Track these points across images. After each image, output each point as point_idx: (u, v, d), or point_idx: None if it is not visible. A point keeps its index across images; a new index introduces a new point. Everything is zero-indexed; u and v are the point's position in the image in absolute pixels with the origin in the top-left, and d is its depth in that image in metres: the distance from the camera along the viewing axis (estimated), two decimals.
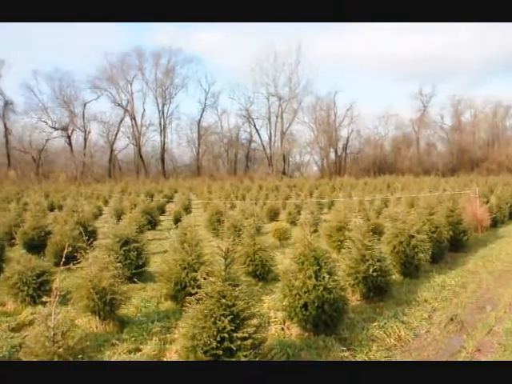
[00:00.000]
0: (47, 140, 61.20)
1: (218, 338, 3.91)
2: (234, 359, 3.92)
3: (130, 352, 5.19)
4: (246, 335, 3.96)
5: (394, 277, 7.84)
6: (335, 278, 5.73)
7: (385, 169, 59.31)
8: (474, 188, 15.78)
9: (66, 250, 4.38)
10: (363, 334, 5.67)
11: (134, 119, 62.86)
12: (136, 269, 7.99)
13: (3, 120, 58.21)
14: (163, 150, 63.53)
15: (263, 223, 14.98)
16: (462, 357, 5.12)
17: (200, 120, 65.34)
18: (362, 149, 68.86)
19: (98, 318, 5.82)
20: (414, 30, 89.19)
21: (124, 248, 7.95)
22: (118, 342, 5.43)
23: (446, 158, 64.93)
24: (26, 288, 6.90)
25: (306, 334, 5.66)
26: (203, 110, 65.66)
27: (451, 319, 6.27)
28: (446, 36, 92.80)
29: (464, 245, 11.23)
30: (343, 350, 5.17)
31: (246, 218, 11.60)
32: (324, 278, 5.53)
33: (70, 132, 61.05)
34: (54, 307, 3.01)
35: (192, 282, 6.44)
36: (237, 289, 4.06)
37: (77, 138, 62.02)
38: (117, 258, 6.95)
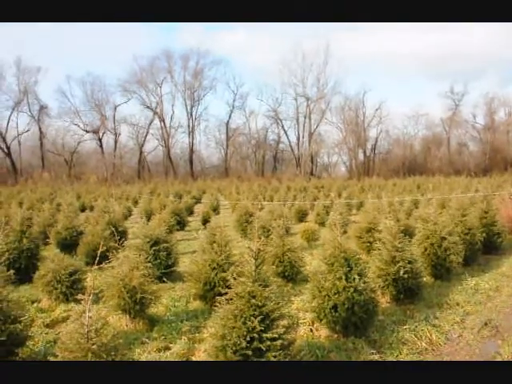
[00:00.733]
0: (79, 142, 62.65)
1: (248, 338, 3.91)
2: (263, 360, 3.93)
3: (159, 350, 5.25)
4: (276, 336, 3.95)
5: (424, 279, 7.69)
6: (365, 279, 5.66)
7: (414, 169, 58.25)
8: (508, 189, 15.35)
9: (100, 250, 4.45)
10: (393, 336, 5.59)
11: (163, 121, 63.66)
12: (165, 269, 8.09)
13: (38, 124, 59.89)
14: (191, 151, 64.09)
15: (291, 224, 14.94)
16: None
17: (228, 121, 65.72)
18: (390, 149, 67.89)
19: (128, 316, 5.91)
20: (444, 28, 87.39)
21: (154, 248, 8.05)
22: (147, 341, 5.50)
23: (478, 158, 63.34)
24: (59, 286, 7.07)
25: (335, 335, 5.62)
26: (231, 112, 66.01)
27: (485, 324, 6.11)
28: (479, 33, 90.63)
29: (498, 247, 10.94)
30: (373, 353, 5.11)
31: (275, 219, 11.58)
32: (354, 279, 5.48)
33: (100, 134, 62.28)
34: (89, 305, 3.07)
35: (221, 282, 6.47)
36: (267, 289, 4.06)
37: (107, 140, 63.24)
38: (147, 257, 7.06)
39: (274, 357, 3.91)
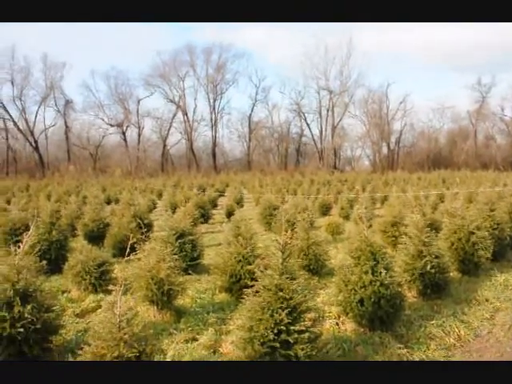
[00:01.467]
0: (103, 136, 63.59)
1: (275, 331, 3.94)
2: (290, 352, 3.95)
3: (186, 341, 5.31)
4: (303, 328, 3.97)
5: (451, 274, 7.59)
6: (392, 273, 5.62)
7: (439, 163, 57.26)
8: None
9: (130, 241, 4.55)
10: (420, 331, 5.53)
11: (186, 115, 64.04)
12: (191, 261, 8.16)
13: (64, 118, 61.02)
14: (214, 144, 64.38)
15: (315, 218, 14.90)
16: None
17: (251, 115, 65.75)
18: (415, 142, 66.93)
19: (155, 307, 6.00)
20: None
21: (179, 240, 8.13)
22: (175, 332, 5.58)
23: (505, 152, 61.84)
24: (88, 277, 7.20)
25: (362, 329, 5.60)
26: (254, 105, 66.00)
27: None
28: (506, 23, 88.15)
29: None
30: (400, 348, 5.07)
31: (299, 213, 11.56)
32: (381, 273, 5.44)
33: (124, 128, 63.05)
34: (120, 295, 3.13)
35: (247, 274, 6.51)
36: (294, 282, 4.07)
37: (131, 133, 64.01)
38: (173, 250, 7.13)
39: (302, 349, 3.93)
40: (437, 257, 6.79)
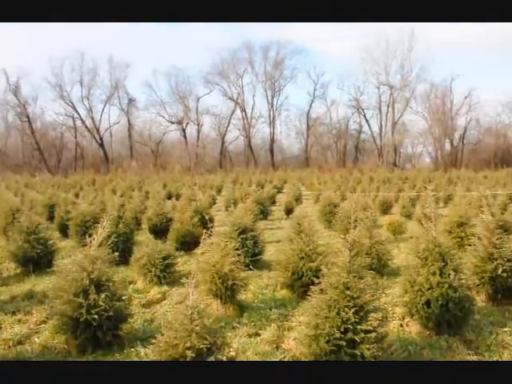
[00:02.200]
0: (164, 133, 65.54)
1: (342, 329, 3.91)
2: (356, 351, 3.91)
3: (249, 336, 5.38)
4: (370, 328, 3.92)
5: None
6: (461, 275, 5.42)
7: (508, 160, 54.30)
8: None
9: (194, 237, 4.64)
10: (491, 338, 5.28)
11: (245, 112, 64.62)
12: (252, 257, 8.25)
13: (127, 116, 63.44)
14: (272, 141, 64.56)
15: (376, 216, 14.60)
16: None
17: (309, 111, 65.35)
18: (481, 139, 63.77)
19: (219, 301, 6.12)
20: None
21: (241, 236, 8.23)
22: (238, 326, 5.67)
23: None
24: (153, 269, 7.46)
25: (427, 332, 5.44)
26: (312, 101, 65.51)
27: None
28: None
29: None
30: (470, 354, 4.88)
31: (359, 211, 11.38)
32: (449, 275, 5.26)
33: (184, 125, 64.58)
34: (192, 288, 3.22)
35: (309, 271, 6.50)
36: (362, 281, 4.02)
37: (191, 130, 65.48)
38: (235, 245, 7.23)
39: (368, 349, 3.88)
40: (509, 260, 6.46)
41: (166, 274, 7.49)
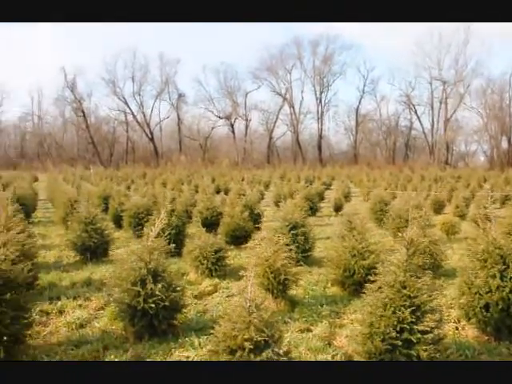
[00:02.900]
0: (212, 128, 66.50)
1: (398, 329, 3.85)
2: (412, 352, 3.84)
3: (301, 331, 5.39)
4: (428, 329, 3.84)
5: None
6: None
7: None
8: None
9: (253, 231, 4.69)
10: None
11: (293, 107, 64.53)
12: (302, 253, 8.23)
13: (177, 111, 64.75)
14: (320, 137, 64.10)
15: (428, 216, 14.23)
16: None
17: (358, 107, 64.53)
18: None
19: (271, 295, 6.16)
20: None
21: (292, 232, 8.24)
22: (289, 321, 5.69)
23: None
24: (205, 262, 7.59)
25: (485, 337, 5.26)
26: (361, 97, 64.68)
27: None
28: None
29: None
30: None
31: (410, 209, 11.12)
32: (511, 278, 5.06)
33: (232, 120, 65.29)
34: (251, 281, 3.27)
35: (361, 269, 6.43)
36: (419, 280, 3.95)
37: (239, 125, 66.14)
38: (286, 241, 7.24)
39: (425, 350, 3.80)
40: None
41: (217, 267, 7.60)
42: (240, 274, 7.51)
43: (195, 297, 6.82)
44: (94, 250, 8.88)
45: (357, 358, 4.25)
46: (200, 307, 6.32)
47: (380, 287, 4.11)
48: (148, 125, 63.15)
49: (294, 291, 6.72)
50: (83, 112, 61.35)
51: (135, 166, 50.61)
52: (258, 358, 3.16)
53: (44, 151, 62.83)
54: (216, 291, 7.12)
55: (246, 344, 3.15)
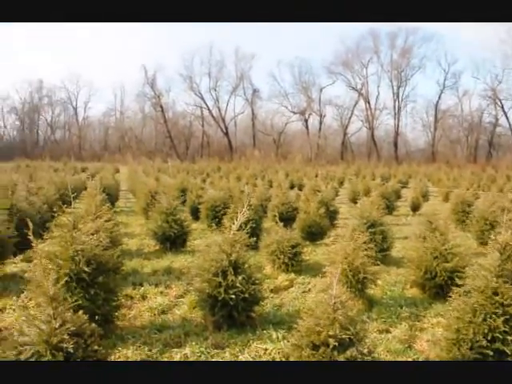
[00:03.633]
0: (286, 123, 66.61)
1: (489, 337, 3.68)
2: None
3: (380, 332, 5.29)
4: None
5: None
6: None
7: None
8: None
9: (330, 228, 4.67)
10: None
11: (368, 103, 63.01)
12: (380, 252, 8.05)
13: (251, 106, 65.52)
14: (396, 133, 62.08)
15: None
16: None
17: (438, 102, 61.63)
18: None
19: (348, 293, 6.09)
20: None
21: (370, 230, 8.08)
22: (367, 320, 5.60)
23: None
24: (282, 256, 7.65)
25: None
26: (441, 92, 61.66)
27: None
28: None
29: None
30: None
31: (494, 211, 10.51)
32: None
33: (306, 116, 64.96)
34: (337, 278, 3.26)
35: (443, 272, 6.19)
36: None
37: (313, 121, 65.67)
38: (365, 239, 7.11)
39: None
40: None
41: (293, 262, 7.64)
42: (316, 270, 7.60)
43: (271, 291, 6.89)
44: (174, 240, 9.21)
45: None
46: (276, 301, 6.39)
47: (469, 291, 3.94)
48: (223, 120, 64.47)
49: (371, 290, 6.61)
50: (161, 107, 63.82)
51: (210, 159, 51.77)
52: (342, 356, 3.14)
53: (125, 144, 66.14)
54: (292, 286, 7.16)
55: (331, 340, 3.14)
